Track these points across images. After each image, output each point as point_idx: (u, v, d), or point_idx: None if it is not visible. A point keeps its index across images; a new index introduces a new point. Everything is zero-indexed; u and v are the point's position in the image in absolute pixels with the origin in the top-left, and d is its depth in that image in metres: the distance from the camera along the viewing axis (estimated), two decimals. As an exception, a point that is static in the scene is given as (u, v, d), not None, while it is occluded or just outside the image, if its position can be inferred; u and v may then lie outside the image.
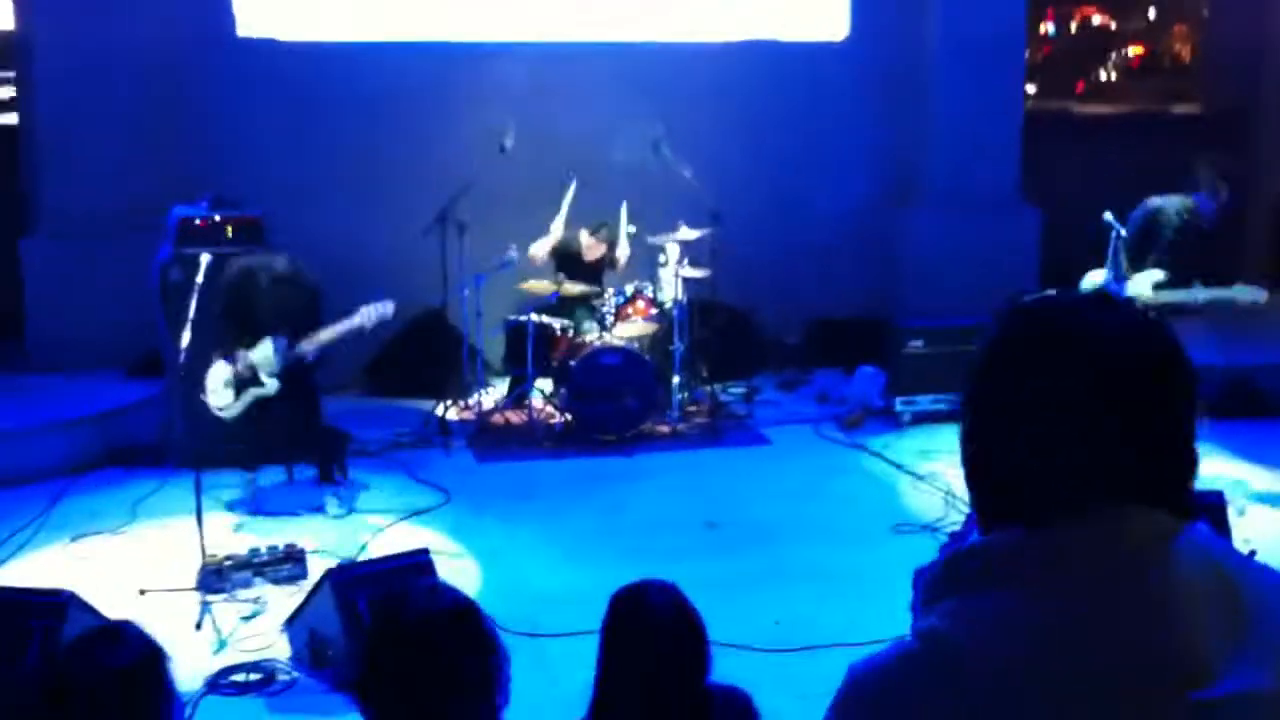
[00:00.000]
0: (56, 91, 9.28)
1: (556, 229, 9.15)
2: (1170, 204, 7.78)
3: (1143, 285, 7.57)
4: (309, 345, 7.22)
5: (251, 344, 7.17)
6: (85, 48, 9.11)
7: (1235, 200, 7.91)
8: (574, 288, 8.86)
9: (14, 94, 10.33)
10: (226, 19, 9.66)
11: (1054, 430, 1.42)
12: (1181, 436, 1.45)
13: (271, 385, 7.14)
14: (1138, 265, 7.65)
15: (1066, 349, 1.43)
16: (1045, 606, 1.38)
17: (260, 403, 7.17)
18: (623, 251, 9.20)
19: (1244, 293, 7.57)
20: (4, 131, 10.48)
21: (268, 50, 9.75)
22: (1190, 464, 1.46)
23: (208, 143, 9.55)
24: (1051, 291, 1.54)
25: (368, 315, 7.29)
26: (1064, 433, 1.41)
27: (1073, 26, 21.21)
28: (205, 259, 6.81)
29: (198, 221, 8.07)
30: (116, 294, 8.86)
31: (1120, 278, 7.76)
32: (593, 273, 9.18)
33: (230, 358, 7.15)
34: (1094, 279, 7.77)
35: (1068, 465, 1.42)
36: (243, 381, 7.14)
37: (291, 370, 7.21)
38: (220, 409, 7.16)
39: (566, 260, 9.13)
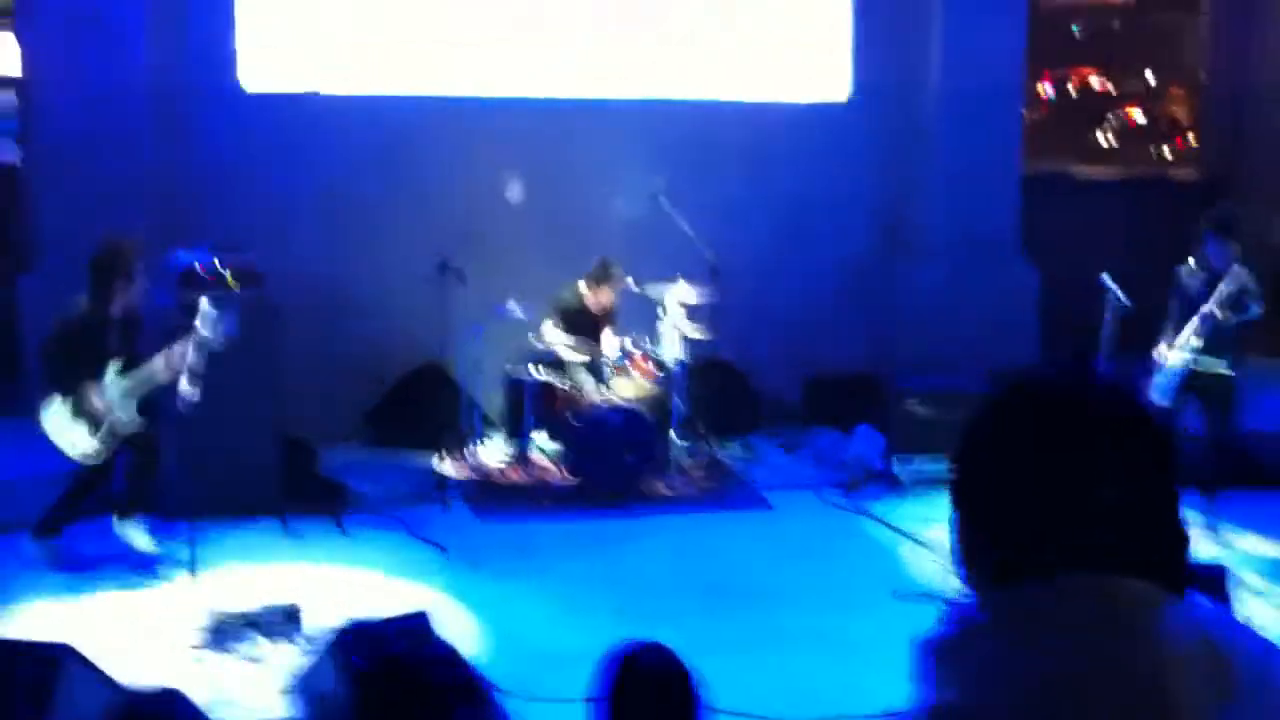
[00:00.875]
0: (57, 133, 9.29)
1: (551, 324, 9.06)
2: (1183, 269, 7.87)
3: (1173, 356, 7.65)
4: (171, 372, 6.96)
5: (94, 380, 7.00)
6: (86, 92, 9.13)
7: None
8: (575, 354, 8.82)
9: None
10: (229, 68, 9.68)
11: (1035, 496, 1.46)
12: (1166, 511, 1.48)
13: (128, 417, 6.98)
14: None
15: (1056, 423, 1.48)
16: (1032, 662, 1.40)
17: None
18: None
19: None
20: (5, 170, 10.48)
21: (268, 101, 9.77)
22: (1179, 539, 1.49)
23: (208, 190, 9.54)
24: (1043, 364, 1.59)
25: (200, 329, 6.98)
26: (1045, 499, 1.45)
27: (1071, 89, 21.36)
28: (204, 303, 6.80)
29: (197, 265, 8.04)
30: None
31: (1113, 345, 7.79)
32: (595, 326, 9.13)
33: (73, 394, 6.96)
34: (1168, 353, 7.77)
35: (1048, 531, 1.45)
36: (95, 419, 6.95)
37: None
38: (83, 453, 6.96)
39: (569, 319, 9.08)
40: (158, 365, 7.03)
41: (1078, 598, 1.42)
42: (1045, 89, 20.34)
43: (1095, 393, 1.51)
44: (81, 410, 6.96)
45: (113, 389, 6.98)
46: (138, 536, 7.11)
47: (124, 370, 7.03)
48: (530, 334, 8.93)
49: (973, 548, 1.51)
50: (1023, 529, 1.46)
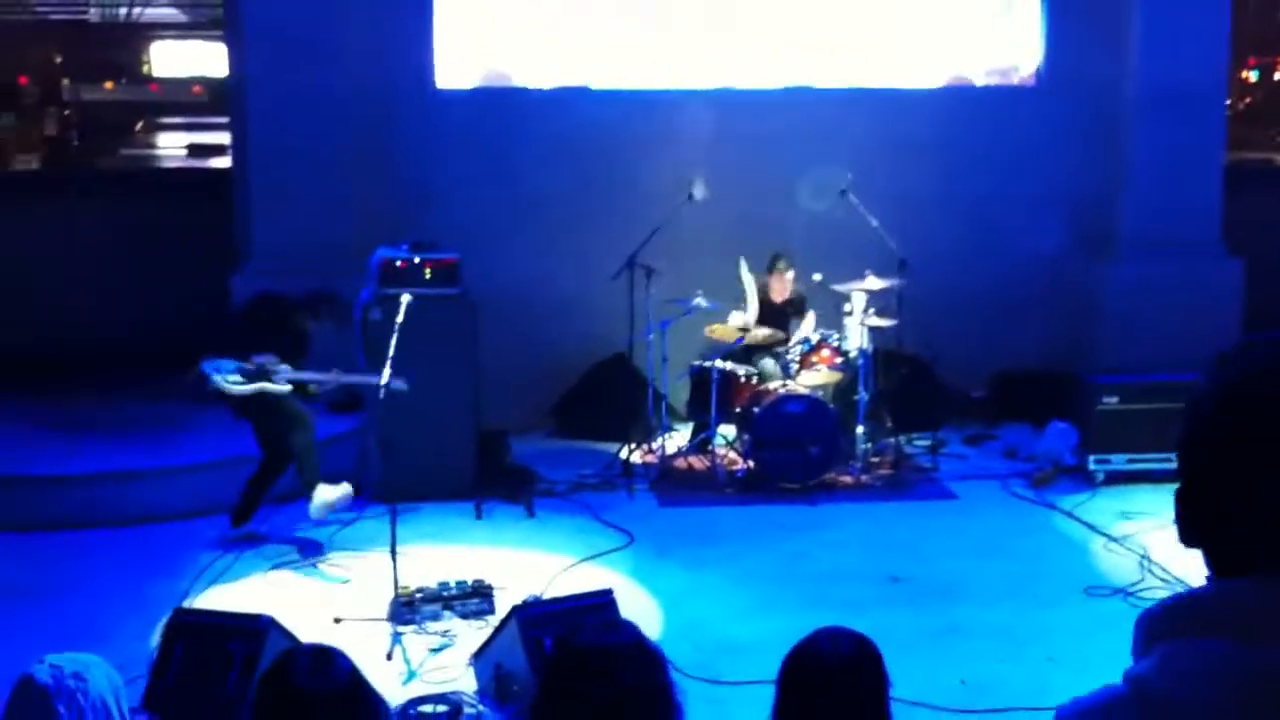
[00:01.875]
0: (267, 136, 9.73)
1: (752, 304, 9.15)
2: None
3: None
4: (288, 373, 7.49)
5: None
6: (295, 95, 9.52)
7: None
8: (760, 332, 8.89)
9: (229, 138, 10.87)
10: (428, 69, 10.00)
11: (1262, 479, 1.38)
12: None
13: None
14: None
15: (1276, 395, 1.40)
16: (1260, 657, 1.35)
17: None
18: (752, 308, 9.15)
19: None
20: (219, 174, 11.02)
21: (463, 99, 10.07)
22: None
23: (406, 187, 9.88)
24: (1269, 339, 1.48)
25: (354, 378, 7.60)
26: (1273, 483, 1.38)
27: (1277, 75, 20.49)
28: (406, 299, 7.05)
29: (398, 263, 8.36)
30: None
31: None
32: (781, 316, 9.17)
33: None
34: None
35: (1273, 516, 1.38)
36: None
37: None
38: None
39: (761, 308, 9.17)
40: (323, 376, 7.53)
41: None
42: (1249, 74, 19.55)
43: None
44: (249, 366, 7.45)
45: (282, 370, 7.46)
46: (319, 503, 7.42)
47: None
48: (709, 327, 8.99)
49: (1203, 528, 1.45)
50: (1260, 516, 1.39)
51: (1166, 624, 1.43)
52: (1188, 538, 1.47)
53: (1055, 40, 10.42)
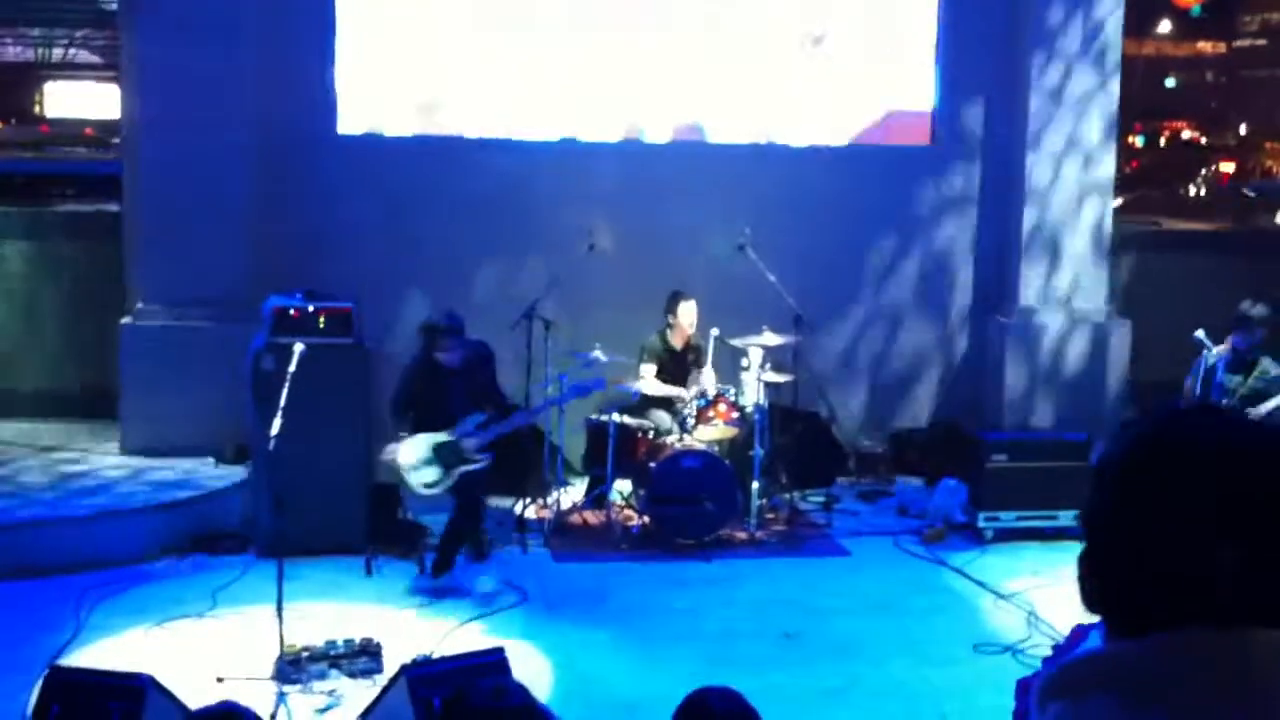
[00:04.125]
0: (160, 179, 9.54)
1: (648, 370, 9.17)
2: (1215, 352, 7.96)
3: None
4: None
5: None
6: (189, 138, 9.36)
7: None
8: (659, 388, 8.89)
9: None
10: (329, 115, 9.92)
11: (1176, 546, 1.41)
12: None
13: (483, 460, 7.74)
14: None
15: (1178, 462, 1.43)
16: (1152, 716, 1.37)
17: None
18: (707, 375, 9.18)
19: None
20: (109, 217, 10.80)
21: (364, 146, 10.00)
22: None
23: (303, 234, 9.76)
24: (1187, 408, 1.55)
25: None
26: (1187, 549, 1.41)
27: (1162, 141, 21.16)
28: (299, 348, 6.95)
29: (292, 311, 8.24)
30: (210, 379, 9.02)
31: (1210, 396, 7.73)
32: (681, 364, 9.18)
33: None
34: None
35: (1178, 578, 1.41)
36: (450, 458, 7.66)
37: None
38: (427, 485, 7.67)
39: (660, 361, 9.16)
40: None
41: (1214, 651, 1.38)
42: (1136, 140, 20.16)
43: (1245, 435, 1.46)
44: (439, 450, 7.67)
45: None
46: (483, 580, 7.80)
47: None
48: (610, 381, 8.98)
49: (1102, 590, 1.48)
50: (1148, 576, 1.42)
51: (1061, 684, 1.45)
52: (1089, 600, 1.50)
53: (950, 102, 10.65)
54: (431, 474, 7.65)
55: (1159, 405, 1.52)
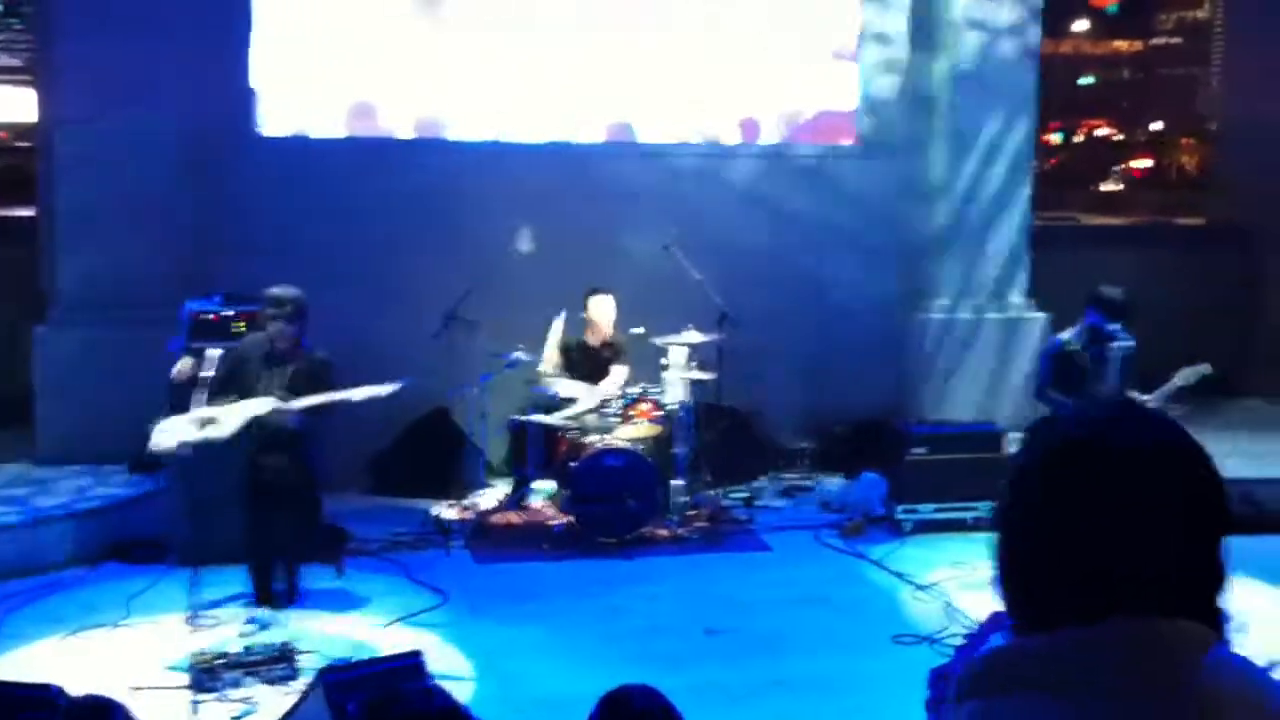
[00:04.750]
0: (77, 182, 9.39)
1: (553, 341, 9.10)
2: (1067, 334, 8.03)
3: None
4: (287, 407, 6.90)
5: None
6: (106, 139, 9.23)
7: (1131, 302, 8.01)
8: (572, 391, 8.87)
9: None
10: (250, 116, 9.81)
11: (1084, 540, 1.44)
12: (1210, 549, 1.47)
13: (227, 429, 6.75)
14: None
15: (1098, 461, 1.46)
16: (1069, 710, 1.39)
17: (267, 497, 6.96)
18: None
19: (1189, 375, 7.77)
20: (24, 221, 10.62)
21: (286, 147, 9.90)
22: (1219, 577, 1.48)
23: (225, 234, 9.65)
24: (1086, 406, 1.62)
25: (361, 391, 7.09)
26: (1094, 542, 1.44)
27: (1079, 138, 21.48)
28: (215, 353, 6.87)
29: (210, 316, 8.15)
30: (126, 385, 8.89)
31: (1120, 388, 7.83)
32: (596, 361, 9.16)
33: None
34: None
35: (1097, 574, 1.44)
36: (204, 421, 6.79)
37: (275, 436, 6.93)
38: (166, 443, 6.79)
39: (573, 355, 9.14)
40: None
41: (1124, 642, 1.41)
42: (1053, 138, 20.45)
43: (1145, 432, 1.50)
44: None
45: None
46: None
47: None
48: (531, 383, 8.96)
49: (1016, 588, 1.51)
50: (1068, 572, 1.45)
51: (975, 681, 1.47)
52: (1003, 596, 1.53)
53: (873, 101, 10.75)
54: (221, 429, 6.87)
55: (1066, 406, 1.57)
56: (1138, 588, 1.42)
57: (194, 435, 6.78)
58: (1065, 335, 8.10)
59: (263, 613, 6.96)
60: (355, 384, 7.12)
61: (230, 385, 6.99)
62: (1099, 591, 1.43)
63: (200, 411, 6.82)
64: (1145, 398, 7.68)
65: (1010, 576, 1.51)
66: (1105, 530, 1.43)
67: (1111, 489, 1.44)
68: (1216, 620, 1.45)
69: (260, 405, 6.86)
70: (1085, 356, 7.93)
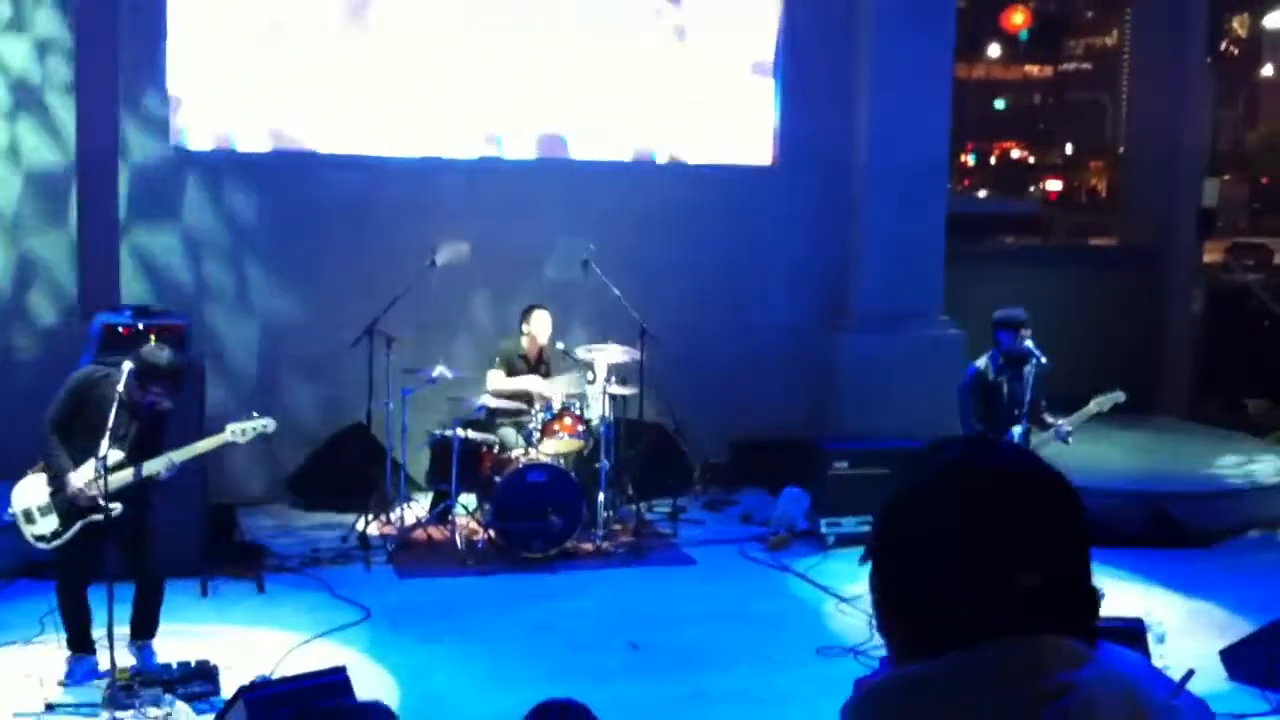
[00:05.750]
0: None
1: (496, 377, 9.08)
2: (982, 362, 8.08)
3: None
4: (161, 464, 6.33)
5: (81, 458, 6.23)
6: (16, 153, 9.05)
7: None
8: (506, 385, 8.84)
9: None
10: (163, 128, 9.65)
11: (961, 565, 1.48)
12: (1083, 568, 1.52)
13: (116, 508, 6.16)
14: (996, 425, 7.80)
15: (978, 494, 1.51)
16: None
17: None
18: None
19: (1103, 402, 7.88)
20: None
21: (208, 161, 9.76)
22: (1093, 594, 1.52)
23: (138, 247, 9.49)
24: (955, 438, 1.64)
25: (238, 431, 6.56)
26: (971, 567, 1.48)
27: (992, 159, 21.86)
28: (127, 367, 6.72)
29: (121, 329, 7.98)
30: (33, 398, 8.67)
31: (1034, 404, 7.91)
32: (536, 372, 9.18)
33: (55, 478, 6.29)
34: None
35: (974, 597, 1.47)
36: (73, 508, 6.26)
37: (137, 490, 6.34)
38: (42, 538, 6.34)
39: (517, 366, 9.14)
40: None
41: (998, 663, 1.44)
42: (967, 159, 20.79)
43: (1012, 462, 1.56)
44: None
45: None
46: None
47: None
48: (454, 398, 8.91)
49: (895, 616, 1.54)
50: (946, 599, 1.48)
51: (868, 708, 1.50)
52: (884, 626, 1.55)
53: (790, 121, 10.85)
54: (49, 524, 6.34)
55: (944, 440, 1.62)
56: (1008, 608, 1.46)
57: (44, 498, 6.34)
58: (980, 363, 8.13)
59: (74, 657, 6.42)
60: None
61: (74, 423, 6.33)
62: (979, 614, 1.46)
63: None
64: (1060, 422, 7.80)
65: (890, 604, 1.54)
66: (981, 552, 1.47)
67: (984, 512, 1.49)
68: (1093, 635, 1.49)
69: (153, 465, 6.31)
70: (1002, 381, 8.00)
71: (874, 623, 1.60)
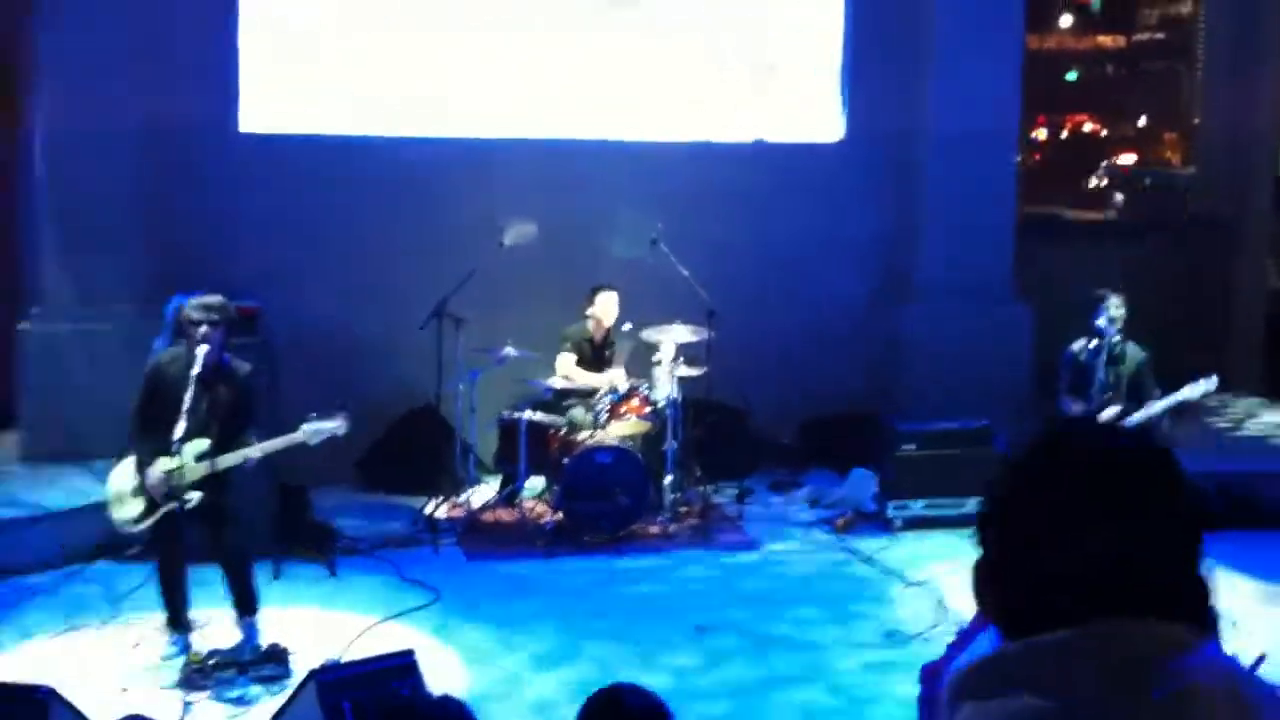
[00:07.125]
0: (59, 177, 9.32)
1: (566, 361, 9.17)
2: (1078, 345, 8.17)
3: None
4: (237, 459, 6.43)
5: (166, 448, 6.27)
6: (88, 132, 9.17)
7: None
8: (578, 377, 8.91)
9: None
10: (231, 111, 9.76)
11: (1078, 544, 1.49)
12: (1188, 551, 1.53)
13: (194, 498, 6.32)
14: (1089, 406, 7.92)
15: (1079, 465, 1.53)
16: (1054, 712, 1.43)
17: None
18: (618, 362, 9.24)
19: (1195, 389, 7.83)
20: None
21: (272, 143, 9.85)
22: (1202, 580, 1.53)
23: (208, 231, 9.60)
24: (1072, 418, 1.67)
25: (311, 433, 6.66)
26: (1088, 545, 1.49)
27: (1064, 134, 21.52)
28: (202, 349, 6.81)
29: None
30: (112, 381, 8.83)
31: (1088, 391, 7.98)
32: (601, 357, 9.22)
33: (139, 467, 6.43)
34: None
35: (1089, 577, 1.49)
36: (163, 494, 6.35)
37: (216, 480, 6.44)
38: (128, 521, 6.48)
39: (584, 350, 9.20)
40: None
41: (1108, 643, 1.45)
42: (1039, 133, 20.48)
43: (1125, 444, 1.57)
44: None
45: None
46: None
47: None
48: (520, 379, 8.95)
49: (1001, 593, 1.55)
50: (1062, 577, 1.50)
51: (970, 685, 1.51)
52: (987, 606, 1.58)
53: (857, 97, 10.75)
54: (135, 508, 6.45)
55: (1051, 420, 1.65)
56: (1119, 590, 1.47)
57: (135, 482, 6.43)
58: (1078, 343, 8.27)
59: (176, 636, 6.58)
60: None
61: (152, 409, 6.43)
62: (1081, 594, 1.48)
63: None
64: (1151, 405, 7.75)
65: (993, 581, 1.56)
66: (1087, 533, 1.49)
67: (1092, 492, 1.50)
68: (1202, 620, 1.50)
69: (229, 460, 6.41)
70: (1093, 363, 8.09)
71: (978, 599, 1.60)
